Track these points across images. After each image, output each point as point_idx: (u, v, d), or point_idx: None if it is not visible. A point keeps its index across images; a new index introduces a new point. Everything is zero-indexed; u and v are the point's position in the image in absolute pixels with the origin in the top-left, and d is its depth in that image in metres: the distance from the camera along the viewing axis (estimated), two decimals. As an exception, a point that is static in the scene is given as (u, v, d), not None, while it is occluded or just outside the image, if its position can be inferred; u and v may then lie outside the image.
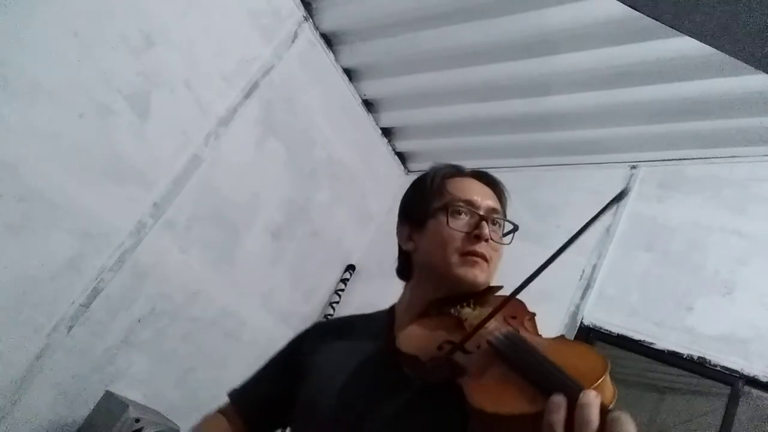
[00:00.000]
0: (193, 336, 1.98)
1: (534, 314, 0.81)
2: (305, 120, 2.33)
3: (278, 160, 2.24)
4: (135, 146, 1.68)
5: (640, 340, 1.82)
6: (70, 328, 1.58)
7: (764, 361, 1.63)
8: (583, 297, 2.00)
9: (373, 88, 2.53)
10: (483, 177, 0.95)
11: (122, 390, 1.74)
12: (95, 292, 1.63)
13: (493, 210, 0.90)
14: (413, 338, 0.75)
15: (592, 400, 0.49)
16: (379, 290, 2.75)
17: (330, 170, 2.49)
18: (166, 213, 1.80)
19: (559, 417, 0.49)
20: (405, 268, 0.96)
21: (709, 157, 2.09)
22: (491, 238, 0.86)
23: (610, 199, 0.63)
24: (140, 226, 1.73)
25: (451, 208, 0.87)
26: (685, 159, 2.15)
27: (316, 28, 2.26)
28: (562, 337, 0.73)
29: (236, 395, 1.00)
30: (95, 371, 1.69)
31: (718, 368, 1.67)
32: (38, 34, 1.41)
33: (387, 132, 2.76)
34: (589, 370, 0.56)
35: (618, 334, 1.87)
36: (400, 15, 2.10)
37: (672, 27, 0.68)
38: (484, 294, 0.85)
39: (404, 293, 0.96)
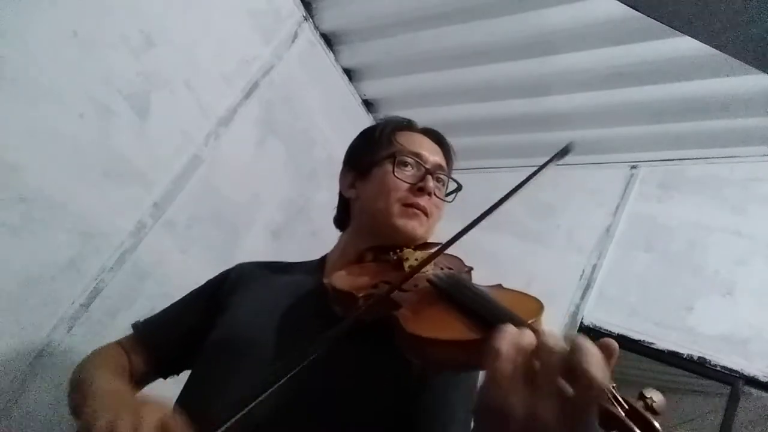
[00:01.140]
0: (193, 336, 1.98)
1: (471, 268, 0.81)
2: (305, 120, 2.33)
3: (278, 160, 2.23)
4: (135, 146, 1.68)
5: (640, 340, 1.82)
6: (70, 328, 1.58)
7: (764, 361, 1.63)
8: (583, 297, 2.00)
9: (373, 88, 2.53)
10: (432, 134, 0.95)
11: (122, 390, 1.74)
12: (95, 292, 1.63)
13: (440, 167, 0.90)
14: (347, 277, 0.74)
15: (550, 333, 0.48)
16: (379, 290, 2.72)
17: (330, 170, 2.49)
18: (166, 213, 1.80)
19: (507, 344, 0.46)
20: (343, 217, 0.95)
21: (709, 157, 2.09)
22: (434, 194, 0.86)
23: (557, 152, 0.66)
24: (140, 226, 1.73)
25: (398, 158, 0.86)
26: (685, 159, 2.15)
27: (316, 28, 2.26)
28: (499, 285, 0.73)
29: (145, 326, 0.94)
30: (95, 371, 1.69)
31: (718, 368, 1.67)
32: (38, 34, 1.41)
33: (387, 132, 2.76)
34: (526, 308, 0.57)
35: (618, 334, 1.87)
36: (400, 15, 2.09)
37: (672, 27, 0.68)
38: (420, 248, 0.84)
39: (339, 242, 0.94)
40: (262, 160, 2.16)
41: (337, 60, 2.39)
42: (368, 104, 2.61)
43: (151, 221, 1.76)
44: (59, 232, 1.52)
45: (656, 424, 0.43)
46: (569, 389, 0.42)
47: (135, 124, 1.67)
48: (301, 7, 2.18)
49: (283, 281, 0.87)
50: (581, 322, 1.94)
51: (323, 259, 0.94)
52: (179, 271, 1.89)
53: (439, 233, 0.87)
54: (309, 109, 2.33)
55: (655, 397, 0.47)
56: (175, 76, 1.77)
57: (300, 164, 2.34)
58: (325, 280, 0.75)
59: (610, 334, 1.88)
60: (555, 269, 2.10)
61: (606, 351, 0.46)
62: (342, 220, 0.95)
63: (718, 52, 0.69)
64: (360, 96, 2.55)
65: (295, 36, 2.17)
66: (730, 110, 1.90)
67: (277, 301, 0.80)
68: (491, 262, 2.20)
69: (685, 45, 1.70)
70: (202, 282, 1.17)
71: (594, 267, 2.06)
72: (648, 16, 0.67)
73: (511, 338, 0.46)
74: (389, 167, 0.86)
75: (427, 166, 0.87)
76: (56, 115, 1.47)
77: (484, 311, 0.56)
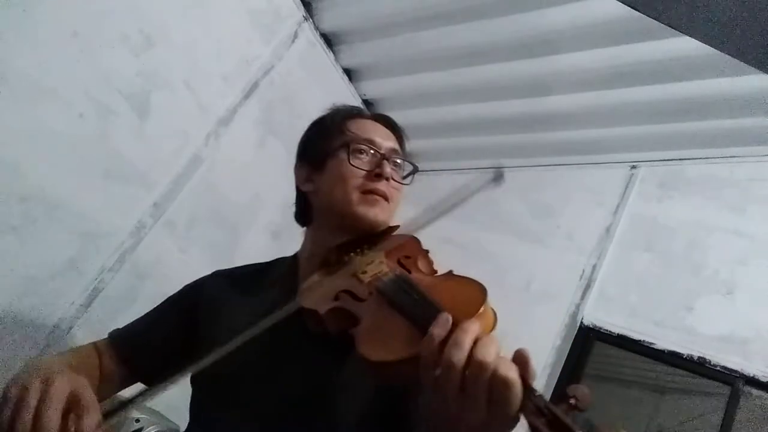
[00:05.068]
0: (193, 336, 1.98)
1: (427, 251, 0.80)
2: (305, 120, 2.31)
3: (278, 161, 2.23)
4: (135, 146, 1.68)
5: (640, 340, 1.82)
6: (70, 328, 1.58)
7: (764, 361, 1.63)
8: (583, 297, 2.00)
9: (373, 88, 2.53)
10: (384, 120, 0.95)
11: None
12: (95, 292, 1.63)
13: (394, 151, 0.90)
14: (312, 292, 0.74)
15: (467, 326, 0.50)
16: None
17: (330, 170, 2.49)
18: (166, 213, 1.80)
19: (432, 347, 0.50)
20: (303, 211, 0.95)
21: (709, 157, 2.09)
22: (392, 178, 0.86)
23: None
24: (140, 226, 1.73)
25: (352, 146, 0.86)
26: (685, 159, 2.14)
27: (316, 28, 2.26)
28: (450, 273, 0.72)
29: (119, 336, 0.95)
30: (95, 371, 1.69)
31: (718, 368, 1.67)
32: (38, 34, 1.41)
33: (387, 132, 2.76)
34: (468, 302, 0.57)
35: (618, 334, 1.87)
36: (400, 15, 2.09)
37: (672, 27, 0.68)
38: (381, 235, 0.83)
39: (305, 240, 0.94)
40: (262, 160, 2.16)
41: (337, 60, 2.39)
42: (368, 104, 2.61)
43: (151, 221, 1.76)
44: (59, 232, 1.52)
45: (574, 429, 0.44)
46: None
47: (135, 124, 1.67)
48: (301, 7, 2.18)
49: (261, 291, 0.87)
50: (581, 322, 1.94)
51: (295, 259, 0.93)
52: (179, 271, 1.89)
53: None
54: (309, 110, 2.31)
55: (579, 393, 0.48)
56: (175, 76, 1.77)
57: (300, 164, 2.33)
58: (297, 295, 0.75)
59: (610, 334, 1.88)
60: (555, 269, 2.10)
61: (517, 360, 0.49)
62: (302, 215, 0.96)
63: (718, 52, 0.69)
64: (360, 96, 2.55)
65: (295, 36, 2.17)
66: (730, 110, 1.90)
67: (255, 315, 0.80)
68: (491, 262, 2.20)
69: (685, 45, 1.70)
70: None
71: (594, 267, 2.06)
72: (648, 16, 0.67)
73: (428, 345, 0.50)
74: (344, 156, 0.86)
75: (382, 152, 0.87)
76: (56, 115, 1.47)
77: (422, 319, 0.55)
